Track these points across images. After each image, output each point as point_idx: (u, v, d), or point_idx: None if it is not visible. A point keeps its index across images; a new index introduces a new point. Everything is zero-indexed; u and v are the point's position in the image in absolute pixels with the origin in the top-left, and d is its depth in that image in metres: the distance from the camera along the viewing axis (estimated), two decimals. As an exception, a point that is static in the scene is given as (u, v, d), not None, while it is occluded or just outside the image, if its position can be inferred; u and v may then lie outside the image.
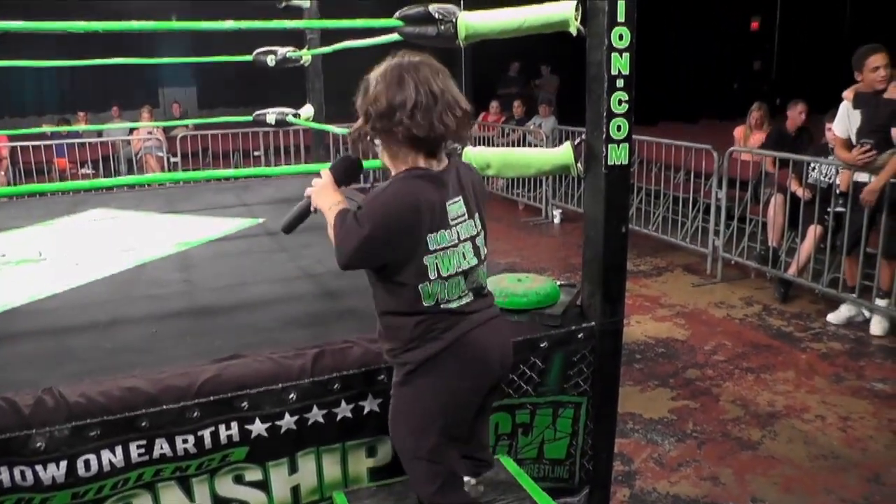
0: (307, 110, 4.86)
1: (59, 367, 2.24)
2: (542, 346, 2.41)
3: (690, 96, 13.43)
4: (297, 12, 4.87)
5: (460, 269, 1.86)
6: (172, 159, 9.87)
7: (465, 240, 1.87)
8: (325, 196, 1.92)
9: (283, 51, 4.55)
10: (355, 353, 2.18)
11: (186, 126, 9.80)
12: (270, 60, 4.49)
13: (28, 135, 8.86)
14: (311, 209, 1.98)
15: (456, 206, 1.86)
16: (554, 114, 10.19)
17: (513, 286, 2.53)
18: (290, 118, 4.67)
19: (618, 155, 2.43)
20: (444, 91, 1.79)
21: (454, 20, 2.55)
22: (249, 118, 5.20)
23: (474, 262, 1.90)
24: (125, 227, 4.28)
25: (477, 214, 1.94)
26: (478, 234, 1.93)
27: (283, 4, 4.72)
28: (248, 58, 4.69)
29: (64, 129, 9.52)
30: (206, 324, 2.55)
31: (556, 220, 8.45)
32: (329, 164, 2.02)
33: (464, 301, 1.87)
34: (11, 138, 9.04)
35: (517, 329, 2.39)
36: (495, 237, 7.77)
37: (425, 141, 1.80)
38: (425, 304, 1.83)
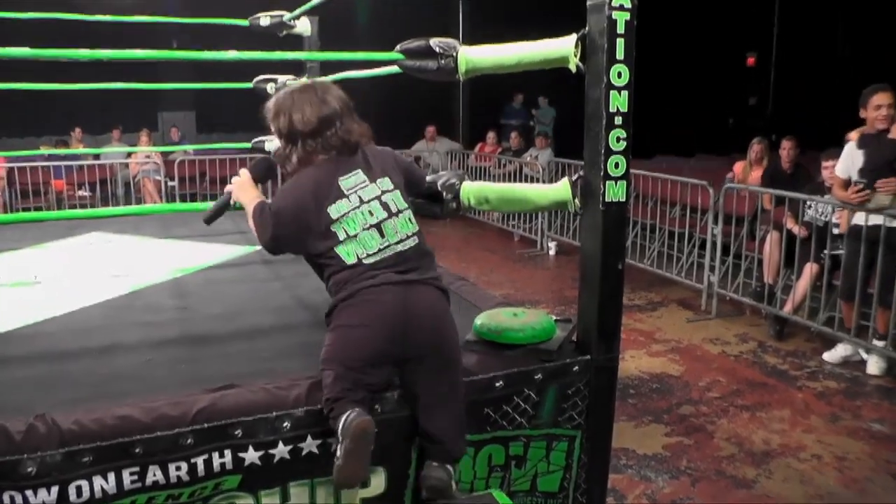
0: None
1: (52, 393, 2.23)
2: (536, 378, 2.41)
3: (686, 130, 13.53)
4: (297, 40, 4.91)
5: (368, 225, 2.19)
6: (170, 183, 9.89)
7: (368, 200, 2.22)
8: (245, 192, 2.33)
9: (283, 79, 4.58)
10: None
11: (185, 150, 9.84)
12: (270, 88, 4.52)
13: (26, 156, 8.93)
14: (231, 203, 2.37)
15: (352, 179, 2.24)
16: (551, 146, 10.25)
17: (509, 320, 2.53)
18: (288, 146, 4.68)
19: (615, 192, 2.45)
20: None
21: (455, 54, 2.58)
22: (248, 144, 5.23)
23: (384, 215, 2.22)
24: (121, 251, 4.28)
25: (384, 178, 2.29)
26: (384, 193, 2.26)
27: (284, 33, 4.76)
28: (249, 85, 4.73)
29: (62, 151, 9.53)
30: (200, 352, 2.54)
31: (552, 253, 8.46)
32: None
33: (383, 256, 2.19)
34: (9, 159, 9.05)
35: (512, 362, 2.40)
36: (490, 268, 7.82)
37: (333, 149, 2.26)
38: (347, 262, 2.17)
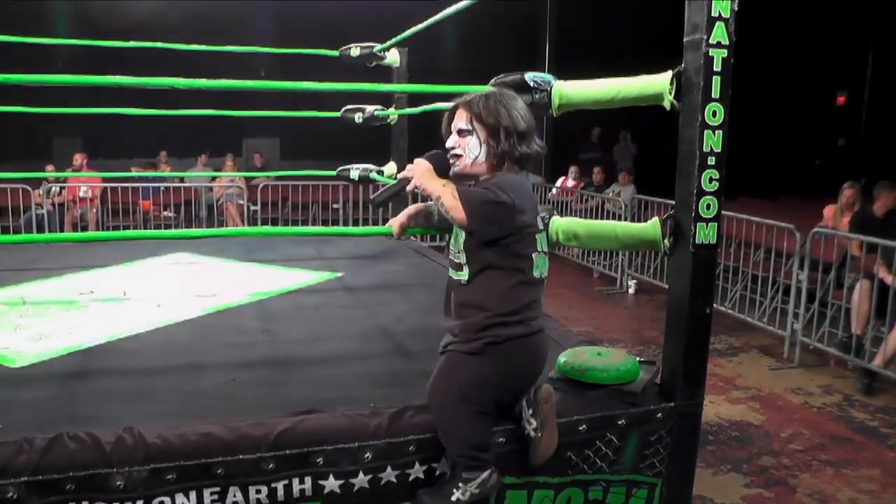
0: (390, 168, 4.93)
1: (138, 407, 2.29)
2: (619, 423, 2.35)
3: (771, 171, 13.20)
4: (386, 71, 4.98)
5: (547, 252, 2.23)
6: (252, 207, 10.13)
7: (544, 229, 2.25)
8: (433, 178, 2.17)
9: (370, 109, 4.65)
10: (428, 419, 2.16)
11: (268, 176, 10.08)
12: (358, 118, 4.59)
13: (118, 177, 9.37)
14: (409, 188, 2.21)
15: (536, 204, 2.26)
16: (633, 182, 10.11)
17: (593, 360, 2.48)
18: (373, 175, 4.75)
19: (706, 234, 2.39)
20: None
21: (549, 89, 2.57)
22: (332, 172, 5.31)
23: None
24: (205, 272, 4.38)
25: None
26: (543, 230, 2.26)
27: (374, 63, 4.84)
28: (336, 114, 4.81)
29: (152, 174, 9.93)
30: (283, 375, 2.57)
31: (631, 291, 8.31)
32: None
33: (545, 279, 2.22)
34: (103, 180, 9.50)
35: (596, 405, 2.35)
36: (568, 304, 7.73)
37: (531, 158, 2.22)
38: (535, 274, 2.16)
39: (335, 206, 10.08)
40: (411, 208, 2.63)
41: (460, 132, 2.21)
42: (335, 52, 4.84)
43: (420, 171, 2.18)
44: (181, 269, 4.50)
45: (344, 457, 2.04)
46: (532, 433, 2.17)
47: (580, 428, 2.30)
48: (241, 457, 1.95)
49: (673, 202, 2.49)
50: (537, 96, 2.57)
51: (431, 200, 2.18)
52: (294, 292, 3.85)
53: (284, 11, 11.01)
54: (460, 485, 2.09)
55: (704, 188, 2.36)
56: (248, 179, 10.18)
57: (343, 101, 4.89)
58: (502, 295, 2.13)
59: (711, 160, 2.35)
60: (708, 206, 2.38)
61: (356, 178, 4.82)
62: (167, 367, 2.66)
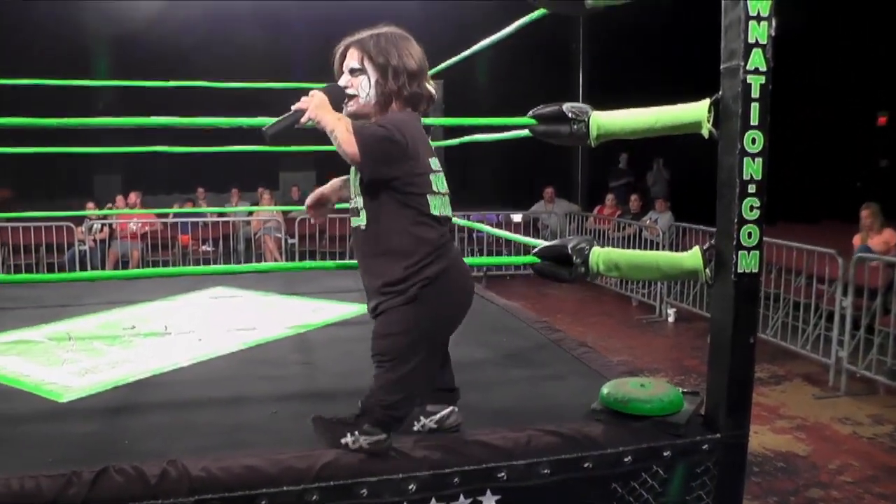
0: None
1: (181, 440, 2.31)
2: (665, 455, 2.31)
3: (811, 195, 13.02)
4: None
5: (446, 192, 2.19)
6: (290, 240, 10.24)
7: (441, 170, 2.20)
8: (328, 110, 2.09)
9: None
10: (474, 449, 2.16)
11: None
12: (395, 151, 4.61)
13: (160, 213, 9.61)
14: (304, 120, 2.10)
15: (431, 142, 2.22)
16: (669, 209, 10.06)
17: (636, 391, 2.45)
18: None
19: (748, 263, 2.36)
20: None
21: (587, 119, 2.57)
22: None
23: (447, 190, 2.21)
24: (245, 306, 4.42)
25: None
26: (439, 171, 2.21)
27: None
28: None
29: (191, 210, 10.13)
30: (324, 408, 2.55)
31: (671, 319, 8.23)
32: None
33: (448, 218, 2.18)
34: (156, 216, 9.94)
35: (640, 435, 2.32)
36: (607, 333, 7.67)
37: (422, 101, 2.20)
38: (434, 213, 2.12)
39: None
40: (336, 181, 2.45)
41: (352, 71, 2.17)
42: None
43: (315, 103, 2.10)
44: (221, 303, 4.55)
45: (388, 488, 2.03)
46: (416, 429, 2.28)
47: (625, 459, 2.27)
48: (285, 488, 1.96)
49: (712, 229, 2.47)
50: (576, 127, 2.58)
51: (327, 132, 2.08)
52: (333, 325, 3.88)
53: (320, 48, 11.19)
54: (356, 433, 2.11)
55: (745, 216, 2.34)
56: (285, 213, 10.30)
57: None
58: (404, 237, 2.10)
59: (752, 188, 2.33)
60: (749, 235, 2.35)
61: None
62: (209, 400, 2.69)
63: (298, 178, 12.62)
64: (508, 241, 9.78)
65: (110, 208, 10.28)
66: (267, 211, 10.29)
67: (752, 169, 2.32)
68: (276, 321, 3.95)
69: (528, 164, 10.40)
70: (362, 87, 2.15)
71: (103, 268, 9.64)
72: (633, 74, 11.63)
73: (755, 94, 2.28)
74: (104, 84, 7.61)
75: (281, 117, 2.15)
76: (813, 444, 4.78)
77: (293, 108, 2.14)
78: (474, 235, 10.02)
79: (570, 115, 2.58)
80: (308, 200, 2.50)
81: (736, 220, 2.32)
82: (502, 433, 2.24)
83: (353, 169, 2.18)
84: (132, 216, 9.96)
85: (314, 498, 1.97)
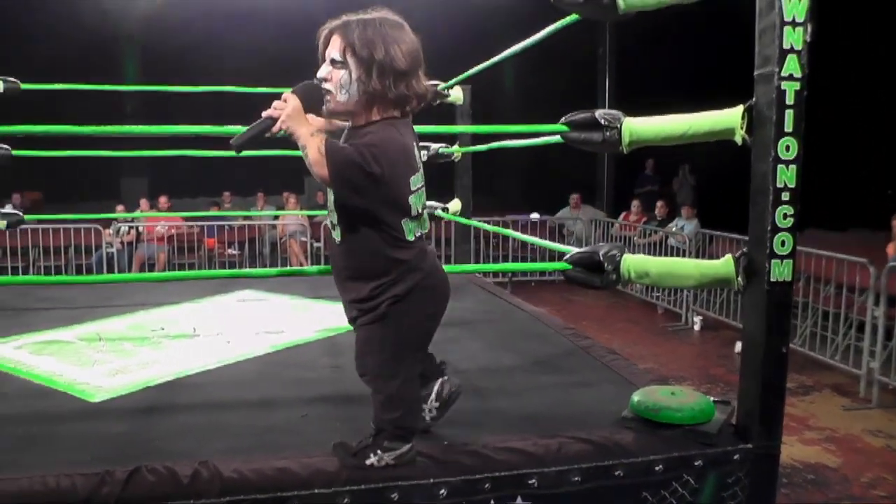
0: (455, 204, 4.96)
1: (212, 441, 2.33)
2: (696, 464, 2.29)
3: (839, 202, 12.84)
4: (449, 108, 5.03)
5: (426, 208, 2.09)
6: (315, 244, 10.29)
7: (423, 185, 2.07)
8: (302, 121, 1.92)
9: (435, 146, 4.70)
10: (505, 456, 2.15)
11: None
12: (423, 156, 4.62)
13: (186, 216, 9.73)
14: (275, 130, 1.94)
15: (418, 153, 2.07)
16: (696, 215, 9.98)
17: (666, 399, 2.44)
18: (438, 212, 4.78)
19: (781, 271, 2.34)
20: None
21: (619, 126, 2.56)
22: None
23: (426, 205, 2.12)
24: (272, 309, 4.44)
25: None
26: (420, 188, 2.08)
27: (437, 101, 4.88)
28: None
29: (218, 213, 10.22)
30: (354, 411, 2.57)
31: (697, 327, 8.16)
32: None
33: (424, 234, 2.09)
34: (183, 219, 10.02)
35: (671, 444, 2.30)
36: (632, 341, 7.62)
37: (412, 100, 1.99)
38: (408, 238, 2.01)
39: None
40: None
41: (333, 62, 1.95)
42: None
43: (288, 111, 1.91)
44: (248, 305, 4.58)
45: (419, 493, 2.04)
46: (429, 419, 2.30)
47: (656, 468, 2.26)
48: (316, 491, 1.97)
49: (739, 236, 2.46)
50: (608, 134, 2.57)
51: (299, 147, 1.92)
52: (362, 329, 3.86)
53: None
54: (378, 451, 2.08)
55: (779, 224, 2.31)
56: (310, 217, 10.36)
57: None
58: (376, 259, 2.00)
59: (785, 196, 2.30)
60: (783, 243, 2.33)
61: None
62: (239, 402, 2.70)
63: (325, 183, 12.67)
64: (534, 248, 9.78)
65: (139, 211, 10.41)
66: (293, 215, 10.35)
67: (786, 176, 2.30)
68: (304, 324, 3.97)
69: (553, 169, 10.38)
70: (342, 83, 1.94)
71: (130, 270, 9.75)
72: (659, 80, 11.57)
73: (790, 100, 2.26)
74: (132, 89, 7.71)
75: (250, 126, 1.98)
76: (844, 457, 4.71)
77: (263, 114, 1.96)
78: (496, 240, 10.02)
79: (602, 121, 2.57)
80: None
81: (769, 228, 2.30)
82: (533, 439, 2.24)
83: None
84: (159, 219, 10.06)
85: (345, 501, 1.98)
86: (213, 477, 2.00)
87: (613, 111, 2.63)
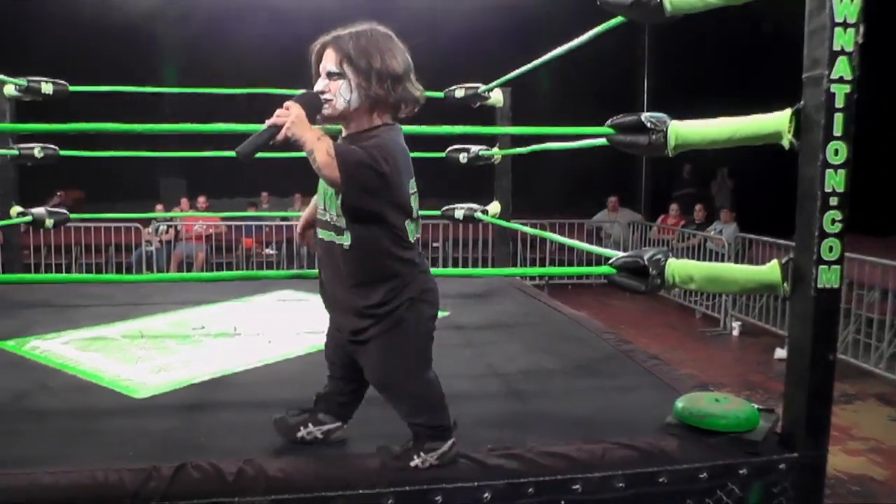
0: (495, 207, 4.96)
1: (255, 439, 2.33)
2: (741, 472, 2.27)
3: (881, 206, 12.58)
4: (490, 111, 5.03)
5: (419, 213, 2.12)
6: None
7: (416, 191, 2.10)
8: (305, 127, 1.96)
9: (475, 149, 4.70)
10: (549, 460, 2.15)
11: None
12: (463, 158, 4.65)
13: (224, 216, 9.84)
14: (280, 137, 1.96)
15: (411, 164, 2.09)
16: (735, 219, 9.85)
17: (710, 406, 2.41)
18: (478, 215, 4.78)
19: (829, 278, 2.30)
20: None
21: (665, 129, 2.54)
22: (431, 212, 5.38)
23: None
24: (312, 309, 4.46)
25: None
26: (416, 192, 2.12)
27: (478, 104, 4.89)
28: (441, 154, 4.87)
29: (255, 213, 10.32)
30: (394, 412, 2.57)
31: (735, 333, 8.07)
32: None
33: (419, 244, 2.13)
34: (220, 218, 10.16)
35: (715, 451, 2.28)
36: (670, 345, 7.54)
37: (409, 104, 2.07)
38: (410, 239, 2.06)
39: (434, 244, 10.20)
40: (312, 205, 2.32)
41: (329, 75, 2.02)
42: (440, 94, 4.92)
43: (293, 118, 1.95)
44: (288, 305, 4.61)
45: (462, 496, 2.04)
46: (299, 436, 2.27)
47: (701, 476, 2.23)
48: (360, 492, 1.98)
49: (780, 241, 2.42)
50: (654, 137, 2.55)
51: (305, 152, 1.96)
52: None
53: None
54: (421, 454, 2.10)
55: (826, 230, 2.28)
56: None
57: (438, 138, 4.94)
58: (387, 261, 2.03)
59: (834, 201, 2.27)
60: (830, 249, 2.29)
61: (461, 218, 4.86)
62: (281, 401, 2.70)
63: (361, 183, 12.72)
64: (571, 250, 9.75)
65: (178, 211, 10.55)
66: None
67: (835, 181, 2.26)
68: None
69: (591, 172, 10.31)
70: (341, 93, 2.01)
71: (168, 268, 9.89)
72: (697, 83, 11.44)
73: (839, 103, 2.22)
74: (172, 91, 7.83)
75: (253, 135, 2.01)
76: (891, 469, 4.62)
77: (267, 123, 2.00)
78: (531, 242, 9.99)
79: (648, 124, 2.55)
80: (299, 229, 2.43)
81: (817, 234, 2.27)
82: (577, 444, 2.23)
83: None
84: (197, 219, 10.19)
85: (389, 502, 1.99)
86: (258, 475, 2.02)
87: (659, 114, 2.61)
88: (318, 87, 2.05)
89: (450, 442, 2.13)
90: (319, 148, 1.91)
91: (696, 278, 2.58)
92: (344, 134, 2.12)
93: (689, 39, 11.19)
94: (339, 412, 2.33)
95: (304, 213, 2.39)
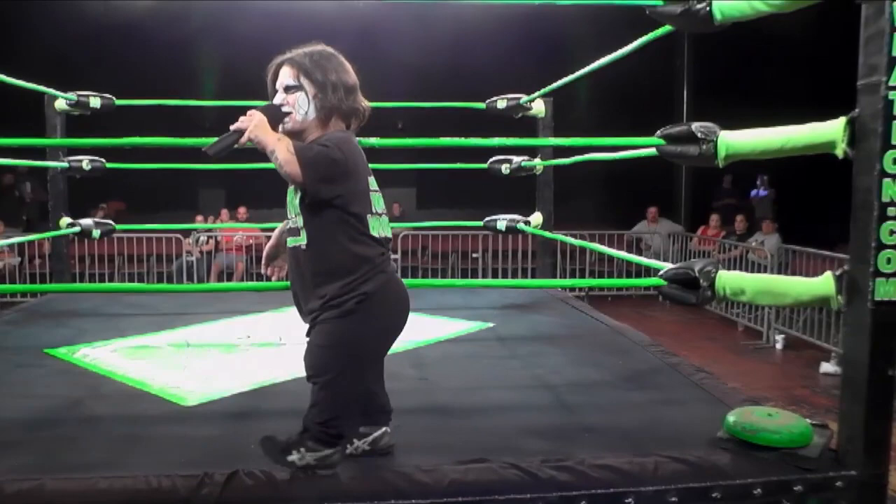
0: (537, 218, 4.94)
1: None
2: (795, 489, 2.22)
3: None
4: (531, 121, 5.02)
5: (384, 212, 2.21)
6: (392, 256, 10.35)
7: (378, 190, 2.21)
8: (265, 131, 2.10)
9: (517, 160, 4.69)
10: (602, 473, 2.13)
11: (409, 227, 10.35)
12: (505, 169, 4.64)
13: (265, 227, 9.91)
14: (243, 141, 2.12)
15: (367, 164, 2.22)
16: (777, 230, 9.67)
17: (763, 420, 2.37)
18: (520, 226, 4.78)
19: (886, 290, 2.24)
20: None
21: (715, 139, 2.51)
22: (471, 222, 5.38)
23: (384, 210, 2.23)
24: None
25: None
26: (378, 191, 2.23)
27: (520, 115, 4.88)
28: (483, 165, 4.87)
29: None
30: (443, 423, 2.60)
31: (779, 346, 7.90)
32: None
33: (388, 240, 2.20)
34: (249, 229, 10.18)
35: (768, 467, 2.24)
36: (711, 359, 7.39)
37: (360, 115, 2.23)
38: (372, 233, 2.13)
39: (474, 255, 10.21)
40: (280, 226, 2.39)
41: (287, 89, 2.18)
42: (481, 105, 4.93)
43: (255, 123, 2.11)
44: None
45: (515, 507, 2.03)
46: (349, 451, 2.26)
47: (755, 492, 2.19)
48: (413, 501, 1.99)
49: (825, 252, 2.37)
50: (704, 147, 2.52)
51: (267, 153, 2.08)
52: (446, 342, 3.89)
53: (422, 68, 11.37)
54: (303, 450, 2.11)
55: (884, 241, 2.23)
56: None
57: (479, 152, 4.94)
58: (345, 256, 2.10)
59: (892, 211, 2.22)
60: (888, 261, 2.24)
61: (503, 229, 4.85)
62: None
63: (399, 194, 12.75)
64: (610, 262, 9.69)
65: (217, 222, 10.66)
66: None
67: (893, 191, 2.21)
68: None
69: (629, 182, 10.21)
70: (300, 105, 2.17)
71: (208, 278, 9.99)
72: (738, 92, 11.30)
73: (897, 111, 2.18)
74: (213, 104, 7.95)
75: (220, 137, 2.17)
76: (952, 489, 4.47)
77: (231, 128, 2.15)
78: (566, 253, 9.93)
79: (699, 134, 2.53)
80: (264, 260, 2.50)
81: (873, 245, 2.22)
82: (628, 457, 2.20)
83: (290, 189, 2.18)
84: (237, 229, 10.28)
85: (437, 512, 1.99)
86: (313, 482, 2.04)
87: (709, 124, 2.59)
88: (276, 100, 2.20)
89: (333, 449, 2.13)
90: (280, 147, 2.05)
91: (748, 290, 2.54)
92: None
93: (729, 48, 11.08)
94: (377, 419, 2.35)
95: (268, 245, 2.47)
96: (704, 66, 12.60)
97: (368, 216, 2.14)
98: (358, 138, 2.33)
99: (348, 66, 2.24)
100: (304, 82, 2.17)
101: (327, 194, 2.08)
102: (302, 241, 2.16)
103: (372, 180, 2.21)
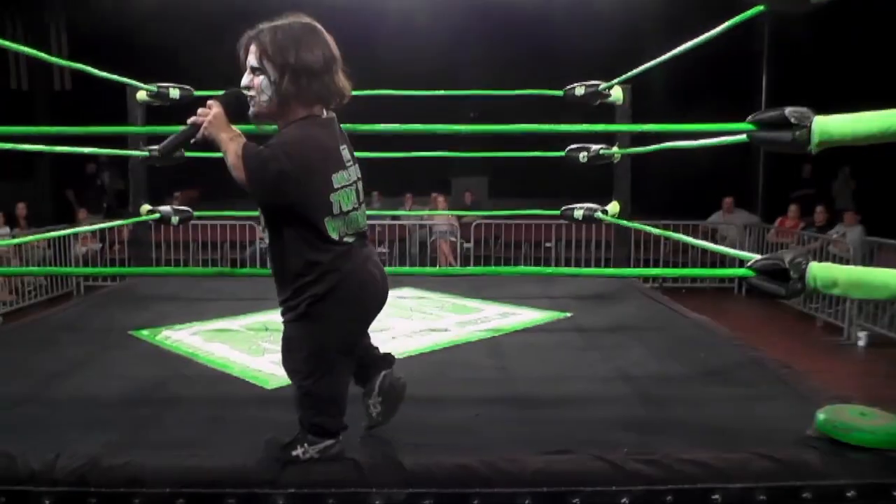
0: (614, 207, 4.87)
1: (389, 434, 2.37)
2: (894, 493, 2.13)
3: None
4: (609, 109, 4.94)
5: (353, 208, 2.12)
6: (465, 245, 10.39)
7: (352, 182, 2.14)
8: (223, 127, 2.07)
9: (595, 147, 4.62)
10: (688, 468, 2.09)
11: (481, 214, 10.35)
12: (582, 157, 4.58)
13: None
14: (198, 137, 2.07)
15: (345, 152, 2.14)
16: (860, 222, 9.31)
17: (856, 420, 2.28)
18: (597, 215, 4.71)
19: None
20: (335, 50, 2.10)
21: (809, 125, 2.42)
22: (544, 211, 5.30)
23: (356, 203, 2.15)
24: (433, 308, 4.48)
25: (356, 163, 2.20)
26: (358, 180, 2.19)
27: (598, 102, 4.80)
28: (561, 153, 4.81)
29: (366, 212, 10.47)
30: (525, 413, 2.57)
31: (861, 343, 7.59)
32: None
33: (354, 238, 2.13)
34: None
35: (863, 469, 2.15)
36: (788, 355, 7.15)
37: (331, 98, 2.10)
38: (332, 236, 2.06)
39: (547, 244, 10.15)
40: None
41: (252, 70, 2.08)
42: (560, 92, 4.86)
43: (210, 118, 2.06)
44: (409, 303, 4.63)
45: (601, 500, 2.01)
46: (374, 415, 2.33)
47: (848, 494, 2.12)
48: (497, 490, 1.99)
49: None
50: (798, 133, 2.43)
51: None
52: (524, 330, 3.87)
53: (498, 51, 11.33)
54: (305, 444, 2.13)
55: None
56: (459, 217, 10.49)
57: (548, 137, 4.87)
58: (295, 260, 2.07)
59: None
60: None
61: (580, 218, 4.79)
62: (410, 398, 2.69)
63: (471, 182, 12.75)
64: (685, 252, 9.50)
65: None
66: (441, 215, 10.49)
67: None
68: (466, 324, 3.99)
69: (704, 171, 9.96)
70: (263, 88, 2.06)
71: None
72: (818, 78, 10.92)
73: None
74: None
75: (175, 134, 2.12)
76: None
77: (188, 121, 2.11)
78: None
79: (793, 119, 2.43)
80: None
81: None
82: (716, 453, 2.15)
83: None
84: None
85: (525, 502, 1.98)
86: (396, 468, 2.07)
87: (802, 108, 2.49)
88: (244, 81, 2.11)
89: (333, 440, 2.15)
90: (231, 149, 2.02)
91: (840, 282, 2.45)
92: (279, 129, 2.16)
93: (810, 32, 10.72)
94: (379, 366, 2.42)
95: None
96: (785, 52, 12.21)
97: (327, 219, 2.07)
98: (353, 125, 2.32)
99: (321, 43, 2.09)
100: (267, 65, 2.05)
101: (275, 202, 2.07)
102: (265, 236, 2.18)
103: (340, 176, 2.11)
